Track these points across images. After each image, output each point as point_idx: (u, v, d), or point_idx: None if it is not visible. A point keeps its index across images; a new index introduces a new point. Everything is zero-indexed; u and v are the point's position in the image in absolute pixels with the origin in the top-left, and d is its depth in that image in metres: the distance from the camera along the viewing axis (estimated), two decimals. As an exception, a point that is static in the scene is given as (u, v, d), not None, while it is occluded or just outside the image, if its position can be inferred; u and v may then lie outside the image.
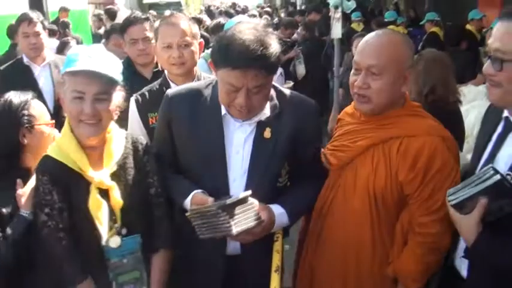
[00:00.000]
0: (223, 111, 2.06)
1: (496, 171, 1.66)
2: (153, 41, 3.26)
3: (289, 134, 2.08)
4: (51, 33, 9.06)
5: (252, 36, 1.88)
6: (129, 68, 3.36)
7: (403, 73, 2.01)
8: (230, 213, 1.83)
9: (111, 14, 9.54)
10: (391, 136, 2.03)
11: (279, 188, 2.14)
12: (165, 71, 2.79)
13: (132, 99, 2.69)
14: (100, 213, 1.94)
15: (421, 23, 9.18)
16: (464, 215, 1.75)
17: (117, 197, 1.99)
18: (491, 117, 2.01)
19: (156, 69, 3.37)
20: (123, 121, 2.27)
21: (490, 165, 1.70)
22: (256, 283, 2.05)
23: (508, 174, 1.71)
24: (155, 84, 2.78)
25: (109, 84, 1.95)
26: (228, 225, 1.83)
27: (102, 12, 11.54)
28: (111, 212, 1.99)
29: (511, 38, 1.68)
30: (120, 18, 11.07)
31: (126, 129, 2.58)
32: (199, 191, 2.05)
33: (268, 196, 2.06)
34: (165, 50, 2.64)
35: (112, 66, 1.97)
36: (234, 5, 22.10)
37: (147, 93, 2.70)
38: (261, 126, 2.07)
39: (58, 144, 2.02)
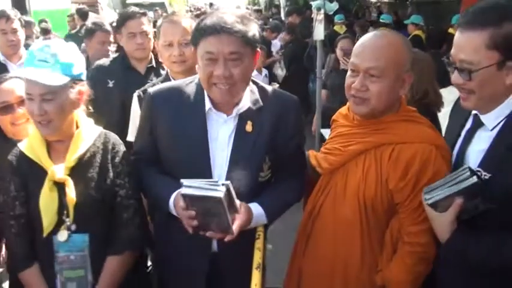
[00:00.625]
0: (207, 106, 2.05)
1: (473, 172, 1.68)
2: (149, 36, 3.31)
3: (270, 127, 2.08)
4: (45, 32, 9.02)
5: (230, 13, 1.96)
6: (123, 62, 3.39)
7: (402, 76, 1.96)
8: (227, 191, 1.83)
9: (83, 14, 9.43)
10: (384, 142, 1.97)
11: (261, 183, 2.12)
12: (167, 69, 2.80)
13: (135, 95, 2.72)
14: (48, 205, 1.98)
15: (406, 22, 9.26)
16: (440, 213, 1.77)
17: (70, 193, 1.99)
18: (459, 111, 2.03)
19: (150, 65, 3.39)
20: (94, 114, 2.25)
21: (466, 166, 1.73)
22: (238, 281, 2.00)
23: (478, 171, 1.74)
24: (158, 81, 2.80)
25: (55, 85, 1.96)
26: (218, 193, 1.80)
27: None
28: (64, 206, 2.00)
29: (475, 48, 1.70)
30: (103, 17, 10.98)
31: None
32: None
33: (250, 190, 2.06)
34: (166, 48, 2.68)
35: (58, 68, 1.96)
36: (211, 6, 22.01)
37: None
38: (242, 119, 2.06)
39: (29, 137, 2.09)
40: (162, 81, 2.73)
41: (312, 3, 6.07)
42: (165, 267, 2.28)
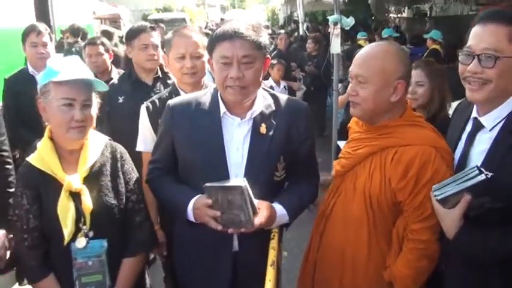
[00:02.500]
0: (222, 110, 2.18)
1: (481, 171, 1.75)
2: (159, 48, 3.47)
3: (284, 130, 2.20)
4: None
5: (242, 22, 2.12)
6: (131, 76, 3.54)
7: (392, 83, 2.08)
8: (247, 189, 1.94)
9: (75, 31, 9.68)
10: (388, 145, 2.09)
11: (276, 182, 2.24)
12: (175, 80, 2.91)
13: (143, 107, 2.82)
14: (65, 215, 2.04)
15: (425, 36, 9.43)
16: (448, 209, 1.85)
17: (86, 201, 2.07)
18: (458, 117, 2.15)
19: (157, 76, 3.56)
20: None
21: (475, 165, 1.80)
22: (256, 281, 2.07)
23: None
24: (165, 92, 2.91)
25: (91, 90, 2.10)
26: (240, 182, 1.94)
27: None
28: (81, 214, 2.08)
29: (499, 39, 1.80)
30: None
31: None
32: (200, 195, 2.13)
33: (265, 189, 2.16)
34: (178, 60, 2.77)
35: (91, 73, 2.13)
36: (222, 21, 22.21)
37: (157, 101, 2.82)
38: (256, 123, 2.19)
39: (39, 150, 2.13)
40: (169, 92, 2.86)
41: (328, 17, 6.16)
42: (186, 273, 2.37)
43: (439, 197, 1.87)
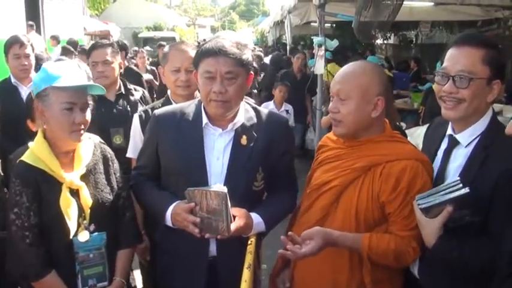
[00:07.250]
0: (204, 121, 2.27)
1: (464, 185, 1.81)
2: (113, 65, 3.50)
3: (263, 142, 2.29)
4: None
5: (227, 39, 2.23)
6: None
7: (372, 99, 2.11)
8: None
9: (73, 45, 9.79)
10: (374, 164, 2.11)
11: (255, 192, 2.32)
12: (168, 91, 3.02)
13: (136, 115, 2.95)
14: (69, 210, 2.13)
15: None
16: (430, 218, 1.90)
17: (86, 196, 2.19)
18: (433, 134, 2.25)
19: (119, 92, 3.60)
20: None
21: (458, 178, 1.87)
22: (232, 285, 2.08)
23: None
24: (158, 103, 3.03)
25: (87, 94, 2.20)
26: (221, 188, 2.04)
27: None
28: (81, 209, 2.18)
29: (473, 61, 1.90)
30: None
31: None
32: (179, 201, 2.19)
33: (244, 198, 2.23)
34: (173, 73, 2.89)
35: (86, 78, 2.22)
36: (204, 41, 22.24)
37: (150, 110, 2.91)
38: (238, 134, 2.28)
39: (32, 150, 2.18)
40: (162, 103, 2.95)
41: (313, 38, 6.28)
42: (167, 280, 2.41)
43: (422, 206, 1.92)
